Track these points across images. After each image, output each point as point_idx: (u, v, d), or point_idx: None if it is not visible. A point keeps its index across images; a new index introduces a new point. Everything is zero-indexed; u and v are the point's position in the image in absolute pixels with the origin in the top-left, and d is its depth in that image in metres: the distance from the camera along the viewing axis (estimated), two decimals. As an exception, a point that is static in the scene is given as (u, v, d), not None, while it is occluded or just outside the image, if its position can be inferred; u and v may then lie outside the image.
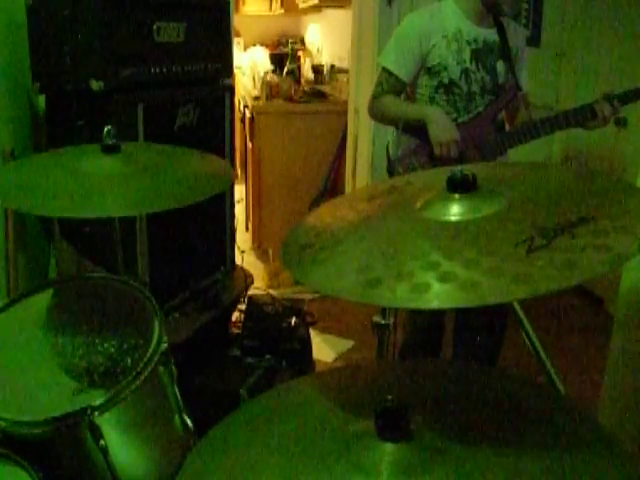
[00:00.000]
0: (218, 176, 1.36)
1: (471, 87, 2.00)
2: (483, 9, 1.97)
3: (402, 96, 2.12)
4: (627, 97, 1.95)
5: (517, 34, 2.08)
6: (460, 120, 2.01)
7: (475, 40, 1.98)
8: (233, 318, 2.46)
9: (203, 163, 1.43)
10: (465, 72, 1.98)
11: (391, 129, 2.19)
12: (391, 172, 2.10)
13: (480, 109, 2.02)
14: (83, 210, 1.20)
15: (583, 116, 1.94)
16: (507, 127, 2.15)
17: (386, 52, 2.06)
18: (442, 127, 1.94)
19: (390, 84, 2.04)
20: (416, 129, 1.98)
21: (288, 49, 4.64)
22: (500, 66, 2.02)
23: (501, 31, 2.01)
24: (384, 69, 2.05)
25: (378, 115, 2.12)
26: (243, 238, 3.85)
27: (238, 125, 4.00)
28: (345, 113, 3.73)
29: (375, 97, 2.08)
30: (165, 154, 1.45)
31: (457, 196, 0.89)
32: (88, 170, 1.27)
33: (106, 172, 1.26)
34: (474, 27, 1.99)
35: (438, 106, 2.02)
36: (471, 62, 1.98)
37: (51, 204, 1.19)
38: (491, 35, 2.01)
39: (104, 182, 1.24)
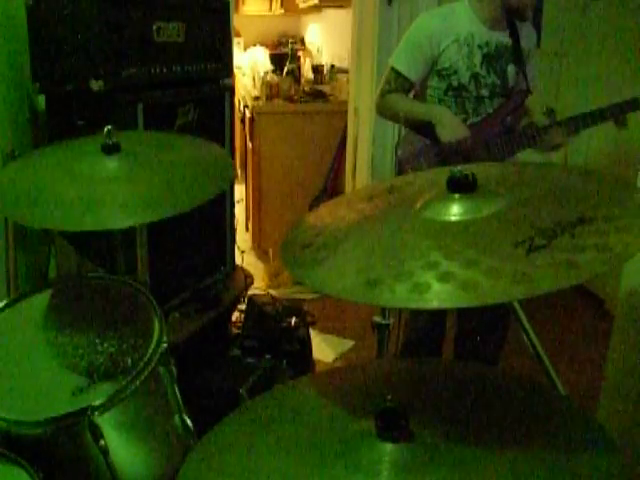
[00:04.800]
0: (219, 167, 1.33)
1: (480, 91, 2.00)
2: (501, 14, 1.96)
3: (411, 93, 2.13)
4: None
5: (529, 35, 2.07)
6: (469, 122, 2.01)
7: (487, 44, 1.98)
8: (233, 318, 2.46)
9: (204, 152, 1.41)
10: (475, 77, 1.98)
11: (396, 129, 2.19)
12: (399, 171, 2.10)
13: (489, 111, 2.02)
14: (84, 223, 1.17)
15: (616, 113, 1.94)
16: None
17: (397, 53, 2.06)
18: (450, 127, 1.94)
19: (398, 83, 2.05)
20: (424, 129, 1.99)
21: (288, 49, 4.63)
22: (511, 69, 2.01)
23: (514, 34, 2.00)
24: (393, 69, 2.05)
25: (386, 112, 2.13)
26: (243, 238, 3.85)
27: (238, 125, 4.00)
28: (345, 113, 3.73)
29: (383, 95, 2.08)
30: (165, 146, 1.42)
31: (457, 196, 0.89)
32: (88, 173, 1.25)
33: (106, 175, 1.24)
34: (487, 31, 1.98)
35: (447, 107, 2.02)
36: (481, 67, 1.98)
37: (51, 216, 1.17)
38: (503, 38, 1.99)
39: (104, 188, 1.21)
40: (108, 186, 1.23)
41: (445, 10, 2.06)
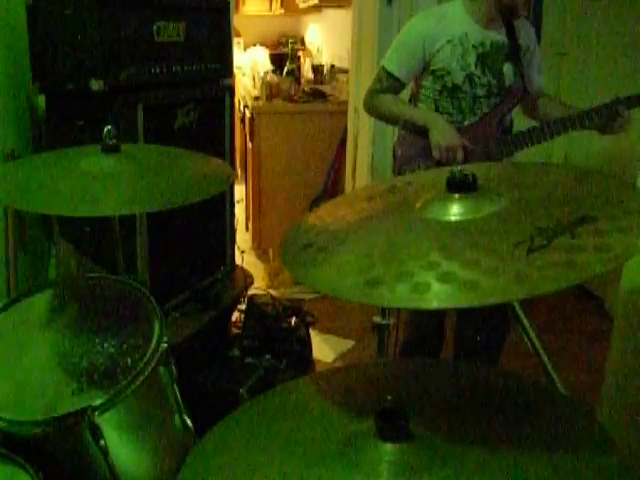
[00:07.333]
0: (218, 177, 1.36)
1: (476, 91, 1.99)
2: (496, 13, 1.95)
3: (407, 92, 2.12)
4: (634, 101, 1.93)
5: (527, 32, 2.06)
6: (466, 122, 2.01)
7: (482, 44, 1.97)
8: (233, 318, 2.46)
9: (203, 165, 1.43)
10: (469, 77, 1.97)
11: (395, 129, 2.19)
12: (397, 172, 2.10)
13: (486, 111, 2.01)
14: (82, 209, 1.20)
15: (590, 120, 1.94)
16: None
17: (389, 55, 2.05)
18: (443, 132, 1.94)
19: (390, 83, 2.04)
20: (421, 131, 1.98)
21: (288, 49, 4.63)
22: (507, 68, 2.00)
23: (510, 32, 1.99)
24: (384, 69, 2.05)
25: (374, 111, 2.12)
26: (243, 238, 3.85)
27: (238, 125, 4.00)
28: (345, 113, 3.73)
29: (373, 93, 2.08)
30: (165, 155, 1.45)
31: (457, 196, 0.89)
32: (88, 169, 1.27)
33: (106, 171, 1.26)
34: (482, 30, 1.97)
35: (443, 108, 2.02)
36: (476, 67, 1.97)
37: (50, 202, 1.20)
38: (499, 36, 1.99)
39: (103, 181, 1.24)
40: (108, 179, 1.25)
41: (439, 11, 2.05)
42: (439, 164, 1.97)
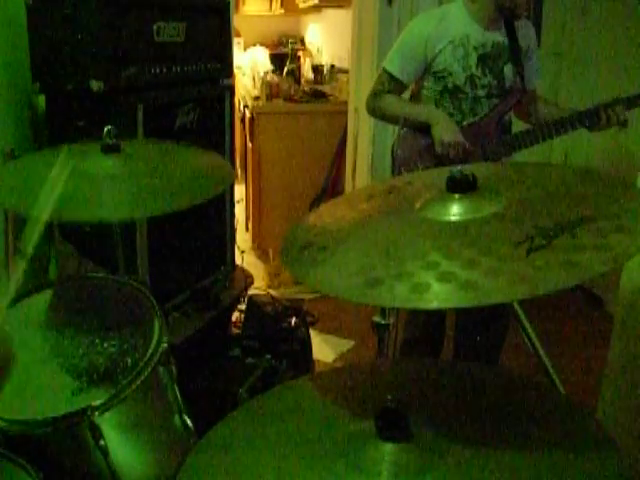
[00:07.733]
0: (218, 177, 1.35)
1: (476, 92, 1.99)
2: (496, 14, 1.96)
3: (407, 92, 2.13)
4: (633, 101, 1.94)
5: (527, 32, 2.07)
6: (465, 122, 2.01)
7: (483, 45, 1.97)
8: (233, 318, 2.46)
9: (203, 160, 1.43)
10: (470, 78, 1.98)
11: (395, 129, 2.19)
12: (396, 172, 2.10)
13: (486, 111, 2.01)
14: (81, 213, 1.19)
15: (591, 119, 1.95)
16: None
17: (391, 56, 2.06)
18: (446, 128, 1.95)
19: (391, 85, 2.05)
20: (423, 130, 1.99)
21: (288, 49, 4.64)
22: (508, 69, 2.01)
23: (511, 33, 2.00)
24: (386, 71, 2.05)
25: (378, 113, 2.13)
26: (243, 238, 3.85)
27: (238, 125, 4.00)
28: (345, 113, 3.73)
29: (375, 95, 2.08)
30: (165, 152, 1.44)
31: (457, 196, 0.89)
32: (88, 170, 1.26)
33: (106, 172, 1.26)
34: (482, 32, 1.97)
35: (443, 108, 2.02)
36: (477, 68, 1.97)
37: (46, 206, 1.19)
38: (500, 38, 1.99)
39: (104, 184, 1.23)
40: (108, 182, 1.25)
41: (440, 12, 2.05)
42: (438, 164, 1.97)
